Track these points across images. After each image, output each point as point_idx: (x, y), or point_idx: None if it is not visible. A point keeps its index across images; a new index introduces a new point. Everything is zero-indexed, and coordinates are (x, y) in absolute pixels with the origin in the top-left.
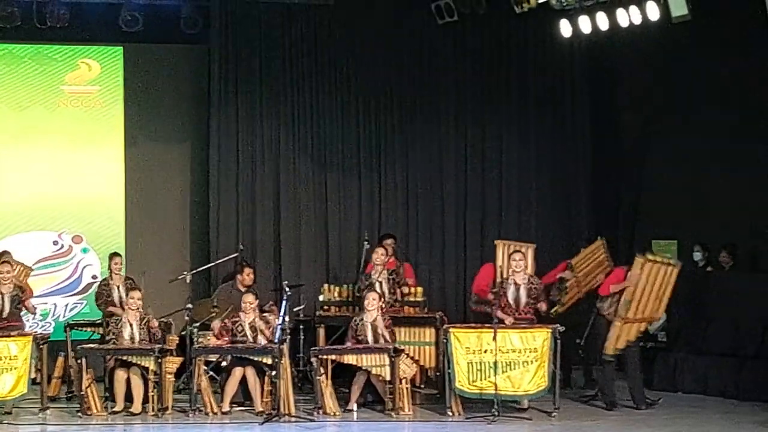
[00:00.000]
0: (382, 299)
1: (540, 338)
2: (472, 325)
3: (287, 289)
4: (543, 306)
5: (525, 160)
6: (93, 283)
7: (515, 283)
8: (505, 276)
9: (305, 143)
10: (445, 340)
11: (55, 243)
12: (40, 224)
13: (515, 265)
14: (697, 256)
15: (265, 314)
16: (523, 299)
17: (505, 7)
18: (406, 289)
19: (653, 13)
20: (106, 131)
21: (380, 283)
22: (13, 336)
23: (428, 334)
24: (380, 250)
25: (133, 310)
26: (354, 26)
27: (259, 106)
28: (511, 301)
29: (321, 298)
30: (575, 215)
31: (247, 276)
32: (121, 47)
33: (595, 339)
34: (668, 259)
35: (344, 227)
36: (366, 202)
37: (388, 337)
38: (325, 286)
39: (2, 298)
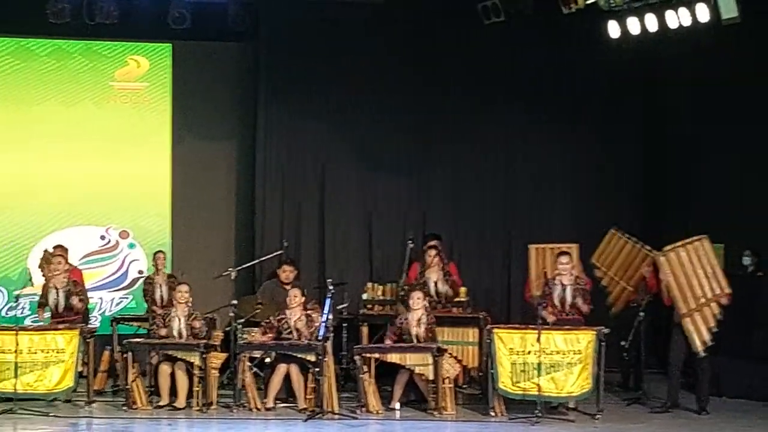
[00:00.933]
0: (431, 298)
1: (584, 340)
2: (516, 325)
3: (331, 287)
4: (584, 307)
5: (572, 161)
6: (139, 278)
7: (561, 284)
8: (549, 276)
9: (351, 142)
10: (488, 341)
11: (102, 238)
12: (87, 219)
13: (562, 267)
14: (747, 261)
15: (308, 312)
16: (569, 300)
17: (553, 7)
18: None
19: (703, 14)
20: (154, 128)
21: (435, 283)
22: (60, 329)
23: (471, 334)
24: (432, 252)
25: (181, 303)
26: (401, 25)
27: (306, 104)
28: (557, 301)
29: (364, 296)
30: (624, 218)
31: (284, 273)
32: (170, 44)
33: (639, 342)
34: (688, 240)
35: (388, 226)
36: (410, 202)
37: (424, 337)
38: (369, 284)
39: (56, 293)
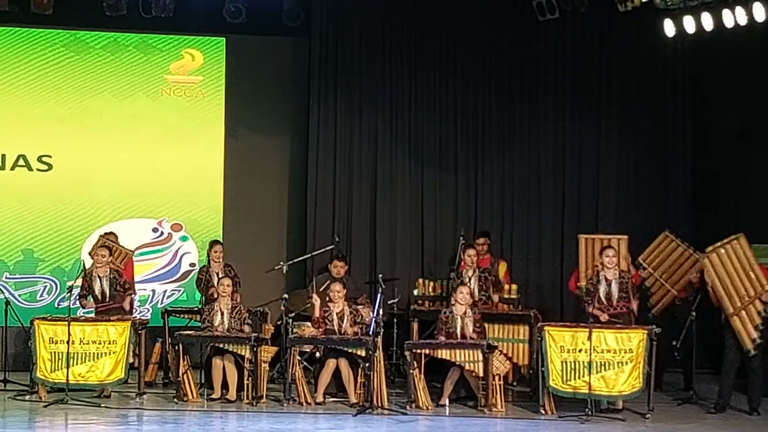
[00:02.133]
0: (472, 297)
1: (636, 339)
2: (567, 323)
3: (382, 282)
4: (633, 305)
5: (624, 159)
6: (191, 271)
7: (606, 279)
8: (595, 271)
9: (403, 137)
10: (539, 338)
11: (155, 230)
12: (140, 212)
13: (607, 261)
14: None
15: (358, 306)
16: (615, 294)
17: (608, 5)
18: (496, 297)
19: (760, 14)
20: (207, 121)
21: (470, 281)
22: (112, 321)
23: (522, 331)
24: (471, 251)
25: (224, 297)
26: (454, 21)
27: (358, 100)
28: (603, 297)
29: (415, 292)
30: (674, 216)
31: (335, 268)
32: (224, 38)
33: (692, 342)
34: (726, 240)
35: (440, 222)
36: (462, 198)
37: (472, 333)
38: (420, 280)
39: (100, 282)
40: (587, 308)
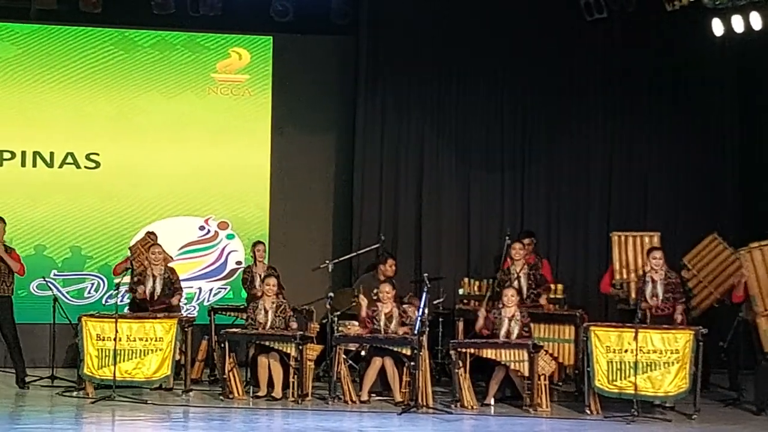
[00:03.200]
0: (521, 295)
1: (682, 340)
2: (613, 323)
3: (427, 281)
4: (679, 309)
5: (671, 158)
6: (237, 269)
7: (652, 280)
8: (645, 270)
9: (449, 136)
10: (584, 338)
11: (202, 228)
12: (187, 210)
13: (654, 263)
14: None
15: (404, 305)
16: (661, 296)
17: (656, 4)
18: (544, 300)
19: None
20: (254, 119)
21: (519, 278)
22: (159, 318)
23: (568, 331)
24: (517, 245)
25: (269, 296)
26: (502, 20)
27: (405, 98)
28: (648, 298)
29: (461, 291)
30: (722, 216)
31: (389, 267)
32: (271, 37)
33: (739, 342)
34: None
35: (486, 222)
36: (508, 198)
37: (520, 333)
38: (465, 279)
39: (153, 280)
40: (638, 308)
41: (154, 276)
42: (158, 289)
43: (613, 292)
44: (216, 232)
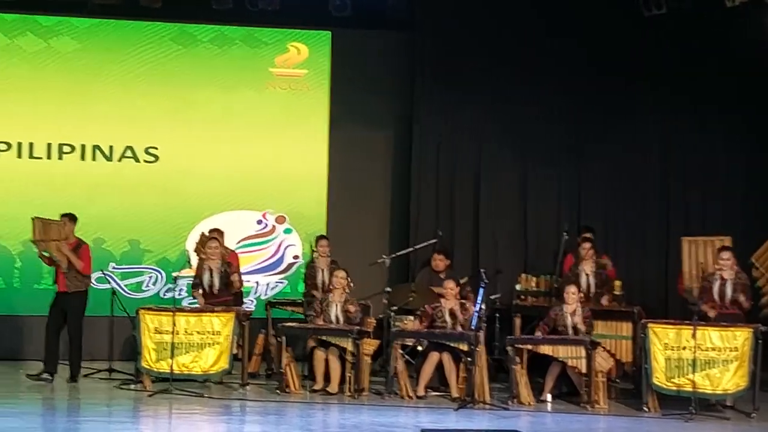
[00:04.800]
0: (587, 293)
1: (741, 337)
2: (671, 320)
3: (484, 276)
4: (745, 303)
5: (730, 155)
6: (294, 263)
7: (722, 278)
8: (710, 271)
9: (507, 131)
10: (642, 335)
11: (259, 222)
12: (245, 204)
13: (723, 263)
14: None
15: (463, 301)
16: (729, 294)
17: (715, 1)
18: (605, 300)
19: None
20: (312, 114)
21: (587, 275)
22: (217, 312)
23: (625, 328)
24: (586, 244)
25: (338, 289)
26: (559, 15)
27: (462, 93)
28: (716, 295)
29: (518, 287)
30: None
31: (439, 262)
32: (329, 32)
33: None
34: None
35: (543, 217)
36: (565, 193)
37: (584, 330)
38: (523, 275)
39: (211, 274)
40: (699, 305)
41: (211, 270)
42: (216, 283)
43: (686, 296)
44: (273, 226)
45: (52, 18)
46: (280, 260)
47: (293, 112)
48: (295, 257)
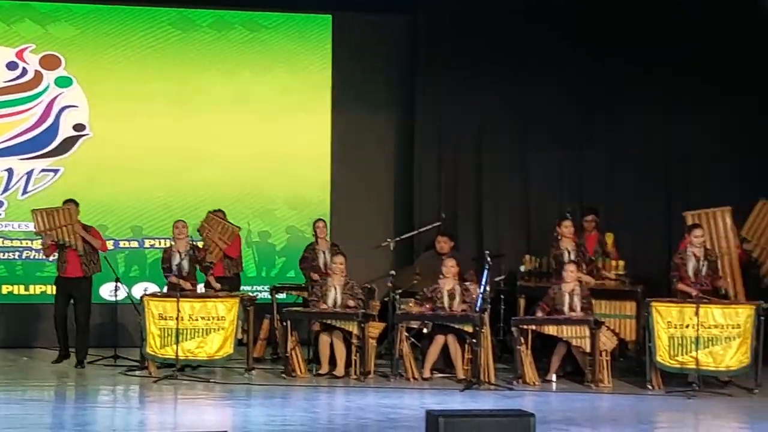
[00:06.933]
0: (581, 269)
1: (743, 314)
2: (674, 299)
3: (489, 258)
4: (719, 282)
5: (730, 131)
6: (78, 136)
7: (695, 256)
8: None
9: (509, 114)
10: (646, 314)
11: (13, 67)
12: (247, 188)
13: (696, 240)
14: None
15: (465, 283)
16: (703, 272)
17: None
18: (608, 271)
19: None
20: (314, 98)
21: (569, 253)
22: (221, 297)
23: (629, 307)
24: (567, 222)
25: (337, 274)
26: None
27: (464, 76)
28: (691, 273)
29: (522, 268)
30: None
31: (443, 244)
32: (331, 15)
33: None
34: None
35: (546, 198)
36: (568, 175)
37: (580, 310)
38: (527, 256)
39: (180, 256)
40: (674, 284)
41: (179, 252)
42: (185, 266)
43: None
44: (38, 72)
45: (50, 4)
46: (52, 131)
47: (295, 96)
48: (80, 128)
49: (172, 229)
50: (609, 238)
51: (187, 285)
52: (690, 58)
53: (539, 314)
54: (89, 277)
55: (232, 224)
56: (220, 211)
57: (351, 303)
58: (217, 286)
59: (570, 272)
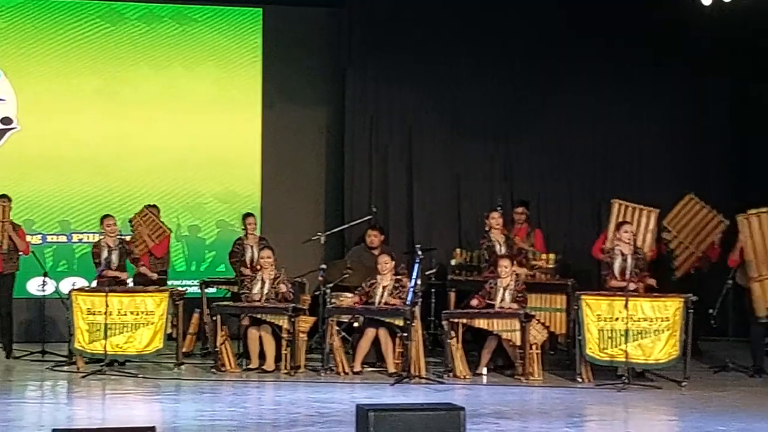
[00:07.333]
0: (514, 264)
1: (672, 307)
2: (604, 292)
3: (420, 252)
4: (648, 280)
5: (661, 127)
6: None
7: (622, 254)
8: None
9: (439, 107)
10: (576, 307)
11: None
12: (178, 183)
13: (625, 237)
14: None
15: (398, 277)
16: (629, 269)
17: None
18: (535, 263)
19: None
20: (245, 91)
21: (498, 243)
22: (150, 292)
23: (559, 300)
24: (495, 214)
25: (266, 268)
26: None
27: (394, 70)
28: (617, 271)
29: (453, 262)
30: (710, 183)
31: (369, 237)
32: (261, 9)
33: (727, 309)
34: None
35: (477, 192)
36: (498, 167)
37: (511, 302)
38: (457, 250)
39: (109, 251)
40: (607, 281)
41: (109, 246)
42: (114, 260)
43: (603, 258)
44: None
45: None
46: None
47: (226, 89)
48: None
49: (101, 224)
50: (537, 237)
51: (124, 276)
52: (621, 51)
53: (474, 302)
54: (8, 275)
55: (165, 225)
56: (155, 206)
57: (283, 288)
58: (154, 275)
59: (504, 267)
